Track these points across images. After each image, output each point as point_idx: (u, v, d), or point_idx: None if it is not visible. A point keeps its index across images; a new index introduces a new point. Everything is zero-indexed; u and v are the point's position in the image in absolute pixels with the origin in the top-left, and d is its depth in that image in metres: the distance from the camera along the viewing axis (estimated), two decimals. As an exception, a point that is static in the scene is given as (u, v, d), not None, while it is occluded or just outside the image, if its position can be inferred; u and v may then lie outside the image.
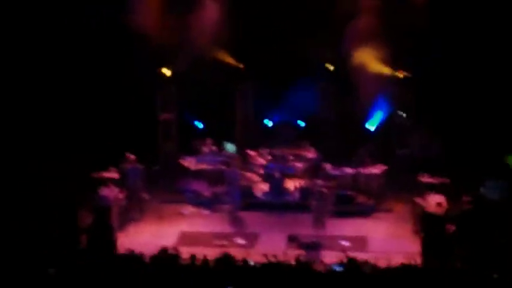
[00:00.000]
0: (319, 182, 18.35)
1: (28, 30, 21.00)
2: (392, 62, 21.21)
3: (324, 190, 17.94)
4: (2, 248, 14.32)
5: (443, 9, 20.25)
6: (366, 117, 21.98)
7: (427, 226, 16.35)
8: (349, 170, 20.61)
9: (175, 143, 22.79)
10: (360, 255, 14.17)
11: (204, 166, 21.33)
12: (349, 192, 20.02)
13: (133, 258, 13.47)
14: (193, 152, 21.88)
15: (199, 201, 20.54)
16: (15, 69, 21.05)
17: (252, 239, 17.92)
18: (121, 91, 21.65)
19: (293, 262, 13.24)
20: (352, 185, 20.45)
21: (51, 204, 17.40)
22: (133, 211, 19.41)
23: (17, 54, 21.02)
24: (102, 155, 20.05)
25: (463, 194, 17.67)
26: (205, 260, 13.18)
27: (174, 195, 20.99)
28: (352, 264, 12.92)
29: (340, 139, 22.27)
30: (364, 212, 19.59)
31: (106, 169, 19.20)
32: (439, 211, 16.51)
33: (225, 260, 13.20)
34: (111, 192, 18.36)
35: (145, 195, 19.88)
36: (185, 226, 18.89)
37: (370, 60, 21.07)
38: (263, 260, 13.29)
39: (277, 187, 20.62)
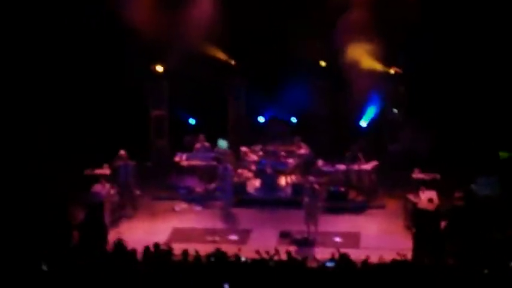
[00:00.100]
0: (311, 178, 18.37)
1: (26, 30, 20.91)
2: (384, 57, 21.24)
3: (316, 186, 17.96)
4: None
5: (435, 3, 20.29)
6: (358, 113, 22.02)
7: (419, 222, 16.42)
8: (341, 166, 20.64)
9: (167, 139, 22.77)
10: (353, 251, 14.25)
11: (196, 162, 21.32)
12: (341, 189, 20.05)
13: (125, 254, 13.49)
14: (186, 148, 21.86)
15: (192, 198, 20.53)
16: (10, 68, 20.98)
17: (244, 235, 17.94)
18: (113, 87, 21.63)
19: (285, 258, 13.27)
20: (344, 181, 20.48)
21: (44, 200, 17.39)
22: (126, 208, 19.40)
23: (11, 53, 20.94)
24: (94, 152, 20.03)
25: (455, 190, 17.77)
26: (197, 256, 13.20)
27: (167, 192, 20.97)
28: (344, 260, 12.95)
29: (332, 135, 22.31)
30: (356, 208, 19.64)
31: (98, 166, 19.18)
32: (431, 207, 16.56)
33: (217, 256, 13.23)
34: (103, 189, 18.34)
35: (137, 191, 19.86)
36: (177, 222, 18.88)
37: (362, 55, 21.10)
38: (255, 256, 13.32)
39: (269, 183, 20.64)
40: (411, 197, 18.04)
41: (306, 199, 17.84)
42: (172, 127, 22.82)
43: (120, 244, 13.66)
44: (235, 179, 20.31)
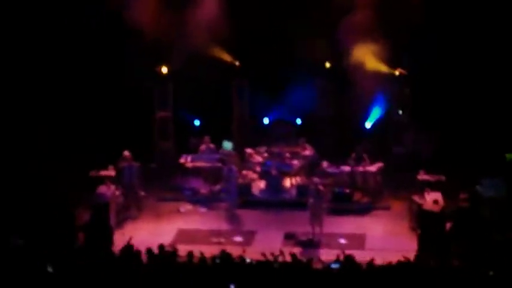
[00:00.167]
0: (316, 179, 18.35)
1: (25, 30, 20.94)
2: (389, 59, 21.22)
3: (321, 188, 17.94)
4: (1, 246, 14.32)
5: (439, 5, 20.27)
6: (363, 115, 22.01)
7: (424, 223, 16.40)
8: (346, 168, 20.62)
9: (172, 140, 22.78)
10: (358, 253, 14.23)
11: (201, 164, 21.32)
12: (346, 190, 20.03)
13: (131, 255, 13.50)
14: (191, 150, 21.87)
15: (197, 199, 20.53)
16: (10, 68, 21.00)
17: (249, 236, 17.94)
18: (117, 89, 21.64)
19: (290, 259, 13.26)
20: (349, 182, 20.46)
21: (49, 202, 17.41)
22: (131, 209, 19.42)
23: (12, 53, 20.96)
24: (99, 153, 20.05)
25: (460, 191, 17.74)
26: (202, 258, 13.20)
27: (171, 193, 20.98)
28: (349, 262, 12.94)
29: (337, 137, 22.30)
30: (361, 210, 19.62)
31: (103, 167, 19.20)
32: (436, 208, 16.54)
33: (222, 257, 13.24)
34: (108, 190, 18.36)
35: (142, 193, 19.88)
36: (182, 224, 18.89)
37: (367, 57, 21.08)
38: (260, 257, 13.32)
39: (274, 185, 20.63)
40: (416, 198, 18.02)
41: (311, 200, 17.82)
42: (177, 128, 22.83)
43: (129, 248, 13.67)
44: (240, 181, 20.32)
